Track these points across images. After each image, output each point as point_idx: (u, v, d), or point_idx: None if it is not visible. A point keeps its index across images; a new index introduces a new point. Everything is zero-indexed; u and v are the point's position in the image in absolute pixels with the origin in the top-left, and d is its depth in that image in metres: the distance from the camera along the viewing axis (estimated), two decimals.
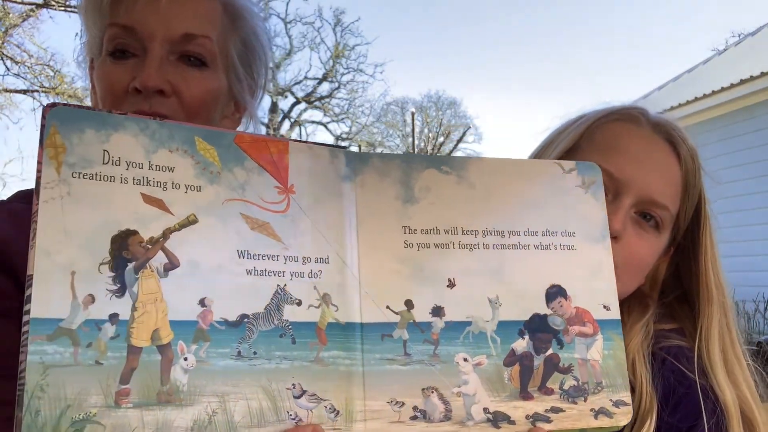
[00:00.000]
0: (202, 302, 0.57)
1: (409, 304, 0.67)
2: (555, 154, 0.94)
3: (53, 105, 0.57)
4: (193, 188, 0.58)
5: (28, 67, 11.02)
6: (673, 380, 0.84)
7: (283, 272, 0.61)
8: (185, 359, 0.57)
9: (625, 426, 0.83)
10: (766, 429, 0.87)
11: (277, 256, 0.61)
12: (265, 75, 1.02)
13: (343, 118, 21.12)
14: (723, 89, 8.13)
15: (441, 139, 17.01)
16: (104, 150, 0.56)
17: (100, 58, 0.88)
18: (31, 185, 0.91)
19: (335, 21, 20.45)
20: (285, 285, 0.61)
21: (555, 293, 0.71)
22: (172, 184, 0.58)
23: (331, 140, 21.52)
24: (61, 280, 0.53)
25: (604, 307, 0.73)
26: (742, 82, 7.85)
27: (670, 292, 0.98)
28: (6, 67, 11.18)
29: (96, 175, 0.56)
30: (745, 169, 8.04)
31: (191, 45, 0.86)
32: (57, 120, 0.56)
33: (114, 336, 0.54)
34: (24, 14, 10.76)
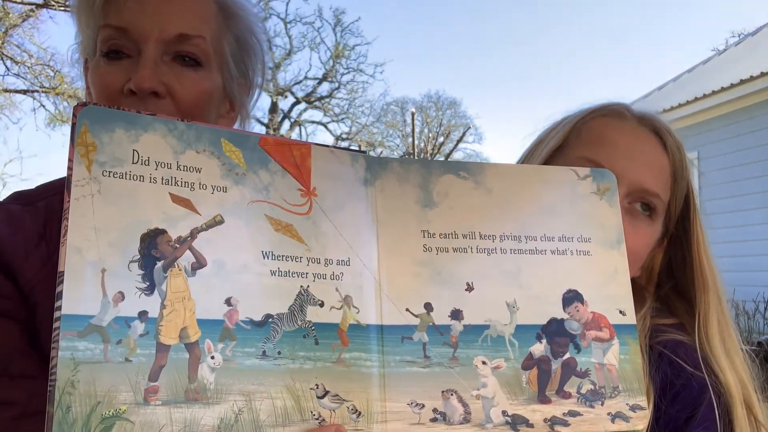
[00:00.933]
0: (228, 301, 0.58)
1: (428, 307, 0.68)
2: (544, 154, 0.96)
3: (84, 104, 0.57)
4: (219, 189, 0.59)
5: (28, 67, 11.02)
6: (671, 373, 0.85)
7: (306, 273, 0.62)
8: (212, 357, 0.57)
9: None
10: (764, 415, 0.89)
11: (300, 257, 0.62)
12: (261, 72, 1.01)
13: (343, 118, 21.15)
14: (723, 89, 8.15)
15: (441, 139, 17.02)
16: (134, 149, 0.57)
17: (94, 59, 0.88)
18: (30, 185, 0.92)
19: (335, 21, 20.49)
20: (308, 286, 0.63)
21: (572, 298, 0.72)
22: (200, 184, 0.59)
23: (331, 140, 21.52)
24: (92, 278, 0.54)
25: (620, 312, 0.74)
26: (742, 82, 7.86)
27: (665, 284, 0.99)
28: (6, 67, 11.18)
29: (126, 174, 0.56)
30: (745, 169, 8.06)
31: (185, 45, 0.86)
32: (88, 119, 0.56)
33: (143, 333, 0.55)
34: (24, 14, 10.76)
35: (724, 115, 8.42)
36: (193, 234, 0.58)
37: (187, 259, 0.57)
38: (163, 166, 0.58)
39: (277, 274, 0.60)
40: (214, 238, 0.58)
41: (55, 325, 0.53)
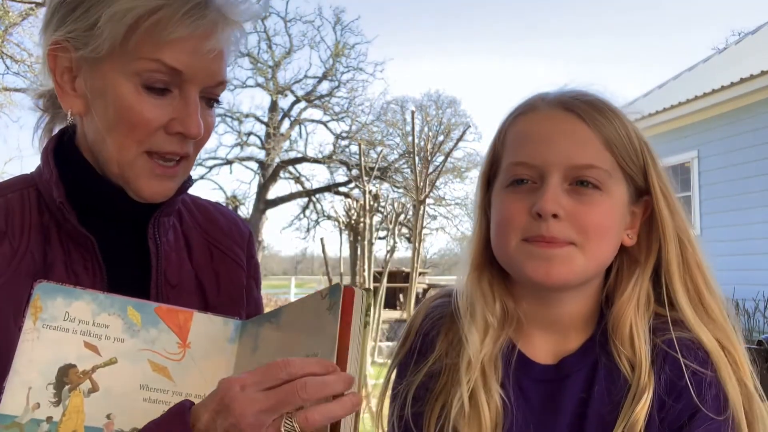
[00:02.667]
0: (108, 416, 0.80)
1: None
2: (482, 172, 0.99)
3: (40, 281, 0.81)
4: (118, 340, 0.83)
5: (28, 66, 11.03)
6: (676, 373, 0.86)
7: (169, 402, 0.81)
8: None
9: (624, 401, 0.86)
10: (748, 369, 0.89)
11: (168, 390, 0.83)
12: None
13: (343, 117, 21.14)
14: (723, 88, 8.15)
15: (441, 137, 17.02)
16: (66, 311, 0.81)
17: (112, 74, 0.84)
18: None
19: (335, 19, 20.49)
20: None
21: None
22: (105, 336, 0.82)
23: (331, 138, 21.55)
24: (22, 392, 0.78)
25: None
26: (743, 80, 7.87)
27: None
28: (6, 65, 11.20)
29: (57, 327, 0.81)
30: (745, 168, 8.07)
31: (219, 89, 0.90)
32: (41, 291, 0.80)
33: (47, 431, 0.78)
34: (24, 13, 10.76)
35: (725, 113, 8.43)
36: (94, 369, 0.81)
37: (86, 385, 0.80)
38: (83, 322, 0.82)
39: (148, 401, 0.82)
40: (108, 373, 0.81)
41: None
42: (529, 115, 0.94)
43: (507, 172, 0.93)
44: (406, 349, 1.00)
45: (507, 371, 0.92)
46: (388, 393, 1.02)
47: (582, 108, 0.91)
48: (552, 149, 0.89)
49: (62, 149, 0.92)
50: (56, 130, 0.97)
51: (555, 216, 0.86)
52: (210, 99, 0.90)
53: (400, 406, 0.95)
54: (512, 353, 0.93)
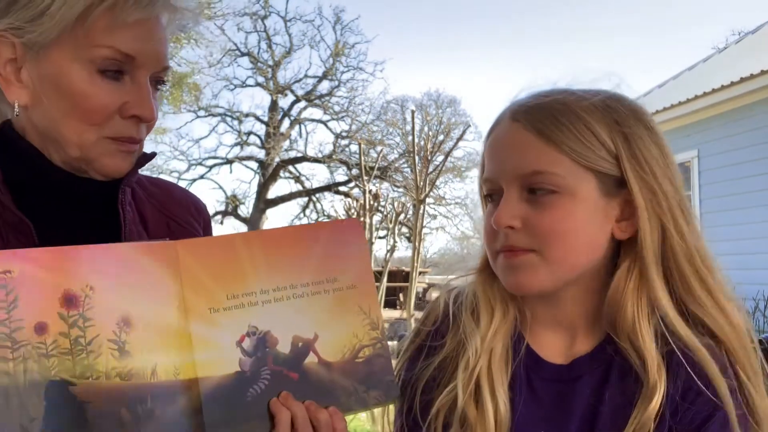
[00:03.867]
0: None
1: None
2: (479, 182, 0.99)
3: None
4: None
5: None
6: (691, 378, 0.85)
7: None
8: None
9: (637, 400, 0.84)
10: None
11: None
12: None
13: (343, 116, 21.14)
14: (723, 87, 8.15)
15: (441, 137, 17.00)
16: None
17: (61, 62, 0.84)
18: None
19: (335, 19, 20.50)
20: None
21: None
22: None
23: (331, 138, 21.55)
24: None
25: None
26: (743, 80, 7.86)
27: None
28: None
29: None
30: (745, 167, 8.06)
31: (164, 74, 0.93)
32: None
33: None
34: None
35: (725, 113, 8.42)
36: None
37: None
38: None
39: None
40: None
41: None
42: (495, 129, 0.96)
43: (481, 187, 0.97)
44: (418, 343, 1.00)
45: (518, 369, 0.92)
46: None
47: (528, 116, 0.90)
48: (503, 162, 0.91)
49: (3, 138, 0.91)
50: None
51: (511, 227, 0.88)
52: (157, 83, 0.93)
53: (409, 398, 0.95)
54: (523, 352, 0.93)
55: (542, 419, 0.90)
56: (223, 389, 0.77)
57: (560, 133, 0.88)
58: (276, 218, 21.82)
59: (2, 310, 0.69)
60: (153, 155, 1.00)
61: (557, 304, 0.93)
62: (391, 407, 1.00)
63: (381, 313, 0.90)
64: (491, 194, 0.94)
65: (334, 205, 19.24)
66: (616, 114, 0.91)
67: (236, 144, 21.06)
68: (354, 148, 20.20)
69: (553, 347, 0.95)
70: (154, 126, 0.95)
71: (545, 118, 0.89)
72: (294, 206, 21.89)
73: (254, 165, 21.21)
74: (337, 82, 20.98)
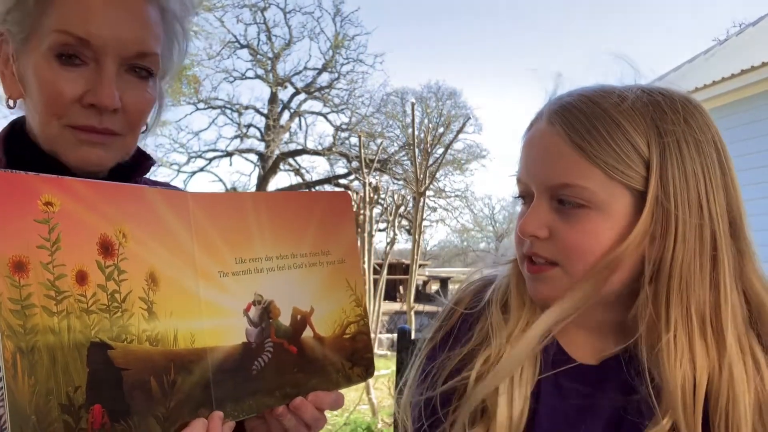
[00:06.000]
0: None
1: None
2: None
3: None
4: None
5: None
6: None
7: None
8: None
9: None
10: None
11: None
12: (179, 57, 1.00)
13: (342, 109, 21.07)
14: (724, 79, 8.13)
15: (441, 129, 16.96)
16: None
17: (35, 53, 0.84)
18: None
19: (335, 11, 20.38)
20: None
21: None
22: None
23: (331, 130, 21.49)
24: None
25: None
26: (743, 72, 7.84)
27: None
28: None
29: None
30: (745, 160, 8.05)
31: (143, 61, 0.88)
32: None
33: None
34: None
35: (726, 104, 8.40)
36: None
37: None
38: None
39: None
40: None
41: None
42: (532, 127, 0.91)
43: (515, 186, 0.93)
44: (443, 333, 0.98)
45: (545, 368, 0.90)
46: (390, 390, 1.00)
47: (564, 120, 0.84)
48: (534, 168, 0.87)
49: (14, 136, 0.91)
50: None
51: (535, 237, 0.85)
52: (138, 71, 0.88)
53: (430, 386, 0.93)
54: (553, 349, 0.91)
55: (567, 419, 0.88)
56: (231, 361, 0.72)
57: (595, 143, 0.81)
58: None
59: (45, 250, 0.58)
60: (153, 162, 0.99)
61: (590, 309, 0.89)
62: (391, 403, 0.99)
63: (365, 290, 0.90)
64: (523, 196, 0.90)
65: None
66: (660, 118, 0.83)
67: (236, 136, 21.01)
68: (354, 140, 20.16)
69: (584, 347, 0.92)
70: (140, 117, 0.90)
71: (580, 125, 0.83)
72: None
73: (254, 157, 21.18)
74: (336, 75, 20.90)
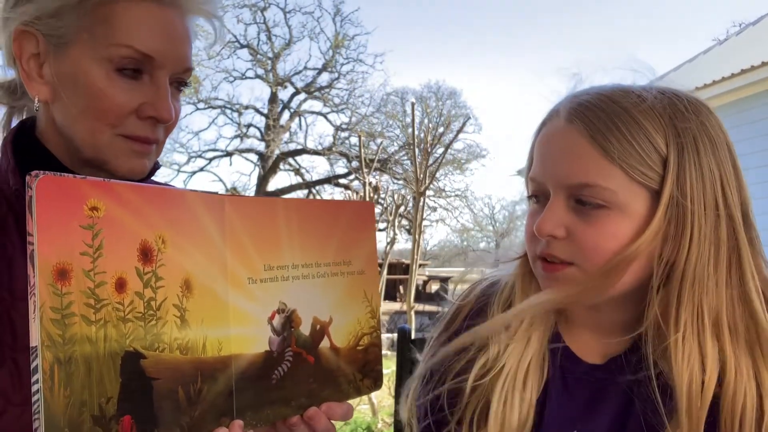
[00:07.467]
0: None
1: None
2: (524, 180, 0.94)
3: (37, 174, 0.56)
4: None
5: None
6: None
7: None
8: None
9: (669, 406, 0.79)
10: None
11: None
12: None
13: (342, 109, 21.07)
14: (724, 79, 8.13)
15: (441, 129, 16.97)
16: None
17: (83, 60, 0.84)
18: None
19: (335, 11, 20.38)
20: None
21: None
22: None
23: (331, 130, 21.48)
24: None
25: None
26: (743, 72, 7.84)
27: None
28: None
29: None
30: (746, 160, 8.03)
31: (186, 75, 0.91)
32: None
33: None
34: None
35: (726, 104, 8.40)
36: None
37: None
38: None
39: None
40: None
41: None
42: (548, 124, 0.89)
43: (527, 183, 0.91)
44: (450, 333, 0.97)
45: (553, 369, 0.90)
46: (390, 390, 1.00)
47: (585, 119, 0.83)
48: (552, 167, 0.85)
49: (22, 139, 0.90)
50: (15, 123, 0.96)
51: (553, 236, 0.83)
52: (178, 85, 0.92)
53: (438, 385, 0.93)
54: (559, 349, 0.91)
55: (573, 418, 0.88)
56: (253, 369, 0.71)
57: (617, 143, 0.80)
58: None
59: (87, 257, 0.57)
60: (159, 165, 0.99)
61: (597, 309, 0.90)
62: (391, 403, 1.00)
63: (380, 302, 0.90)
64: (536, 195, 0.88)
65: (334, 198, 19.17)
66: (678, 118, 0.82)
67: (236, 136, 21.03)
68: (354, 140, 20.16)
69: (591, 346, 0.92)
70: (175, 127, 0.94)
71: (602, 124, 0.81)
72: None
73: (254, 157, 21.19)
74: (336, 74, 20.91)
